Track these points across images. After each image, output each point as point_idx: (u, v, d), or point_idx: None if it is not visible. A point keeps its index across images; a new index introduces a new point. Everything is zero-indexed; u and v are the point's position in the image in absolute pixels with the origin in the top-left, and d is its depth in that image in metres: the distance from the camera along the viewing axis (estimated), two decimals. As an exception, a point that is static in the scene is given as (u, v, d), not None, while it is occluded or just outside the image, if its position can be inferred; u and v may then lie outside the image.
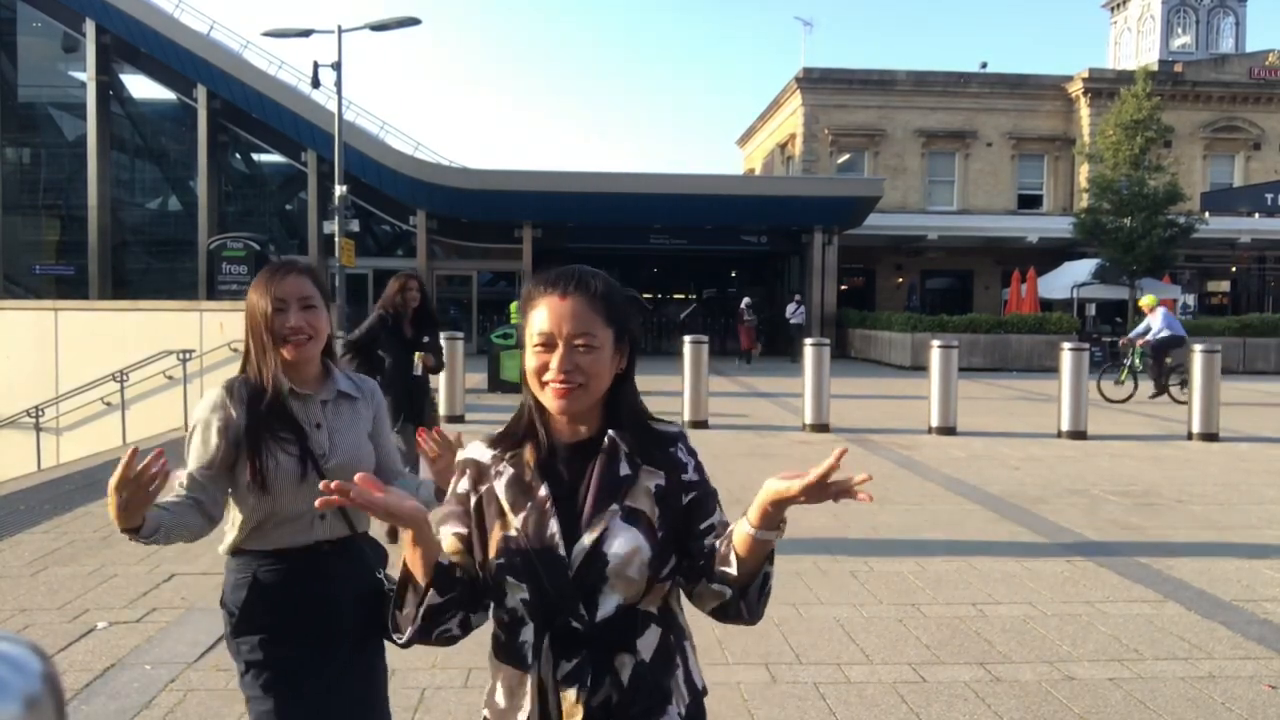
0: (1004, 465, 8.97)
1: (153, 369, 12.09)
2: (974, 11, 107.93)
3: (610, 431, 1.46)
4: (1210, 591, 4.97)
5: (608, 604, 1.40)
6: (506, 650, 1.45)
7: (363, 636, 2.11)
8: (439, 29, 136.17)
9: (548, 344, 1.42)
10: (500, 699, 1.45)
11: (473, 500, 1.47)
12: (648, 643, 1.43)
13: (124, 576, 5.01)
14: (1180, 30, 33.73)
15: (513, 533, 1.41)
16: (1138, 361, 15.06)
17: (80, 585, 4.86)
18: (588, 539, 1.40)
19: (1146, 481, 8.19)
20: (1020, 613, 4.59)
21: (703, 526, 1.47)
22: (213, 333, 12.58)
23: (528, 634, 1.41)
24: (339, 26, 18.70)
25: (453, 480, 1.53)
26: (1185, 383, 14.41)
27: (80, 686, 3.59)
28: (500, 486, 1.45)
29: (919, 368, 18.73)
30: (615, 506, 1.42)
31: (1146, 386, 14.85)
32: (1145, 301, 15.68)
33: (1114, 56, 35.87)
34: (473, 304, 26.78)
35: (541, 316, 1.43)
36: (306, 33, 19.15)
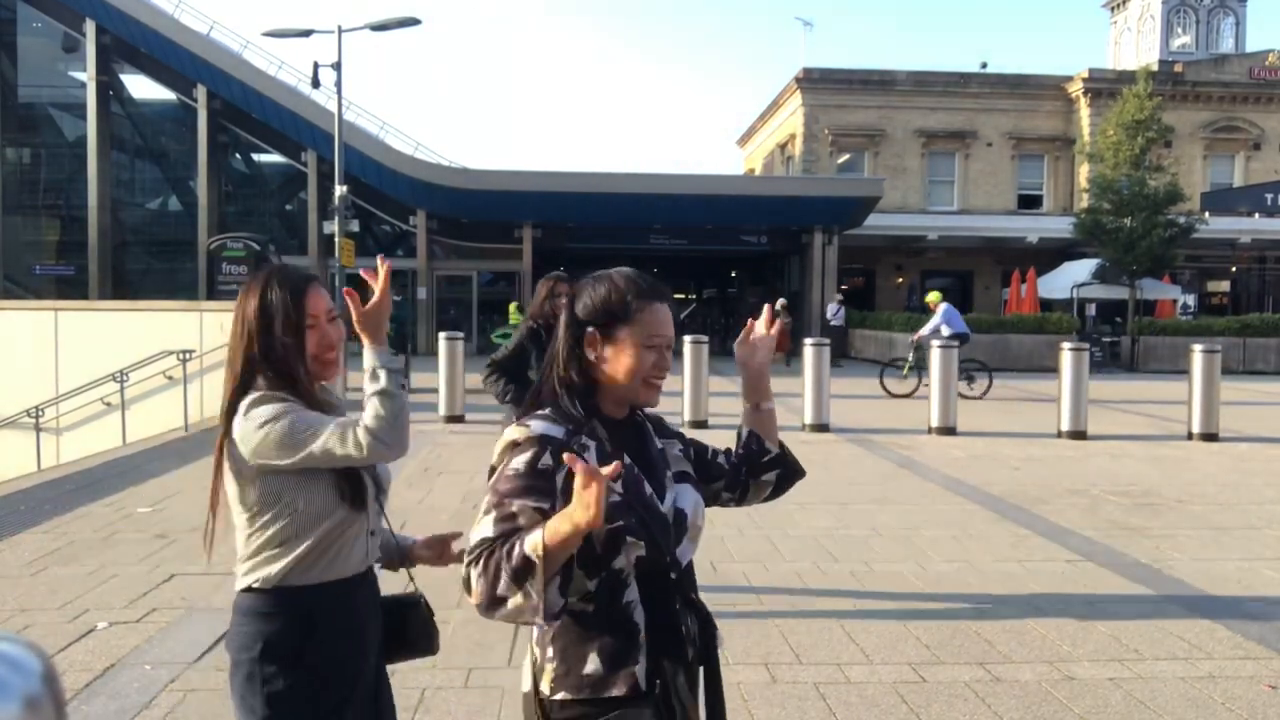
0: (1004, 465, 8.97)
1: (153, 369, 12.08)
2: (974, 11, 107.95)
3: (640, 413, 1.70)
4: (1210, 591, 4.97)
5: (688, 553, 1.61)
6: (606, 616, 1.49)
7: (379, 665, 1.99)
8: (438, 30, 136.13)
9: (662, 344, 1.61)
10: (597, 667, 1.48)
11: (560, 476, 1.48)
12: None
13: (124, 577, 5.01)
14: (1180, 30, 33.73)
15: (615, 498, 1.47)
16: (912, 357, 15.13)
17: (80, 585, 4.86)
18: (669, 499, 1.60)
19: (1146, 482, 8.19)
20: (1020, 613, 4.59)
21: (709, 455, 1.80)
22: (213, 333, 12.58)
23: (633, 594, 1.51)
24: (339, 27, 18.68)
25: (528, 456, 1.50)
26: (972, 379, 14.53)
27: (81, 686, 3.59)
28: (591, 458, 1.51)
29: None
30: (670, 471, 1.65)
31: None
32: (931, 298, 15.88)
33: (1114, 57, 35.88)
34: (473, 305, 26.80)
35: (659, 321, 1.61)
36: (306, 33, 19.13)
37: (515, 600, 1.35)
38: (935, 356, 11.20)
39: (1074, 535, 6.19)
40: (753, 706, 3.49)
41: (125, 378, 11.69)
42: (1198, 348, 11.12)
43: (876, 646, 4.11)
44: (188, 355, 11.66)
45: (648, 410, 1.72)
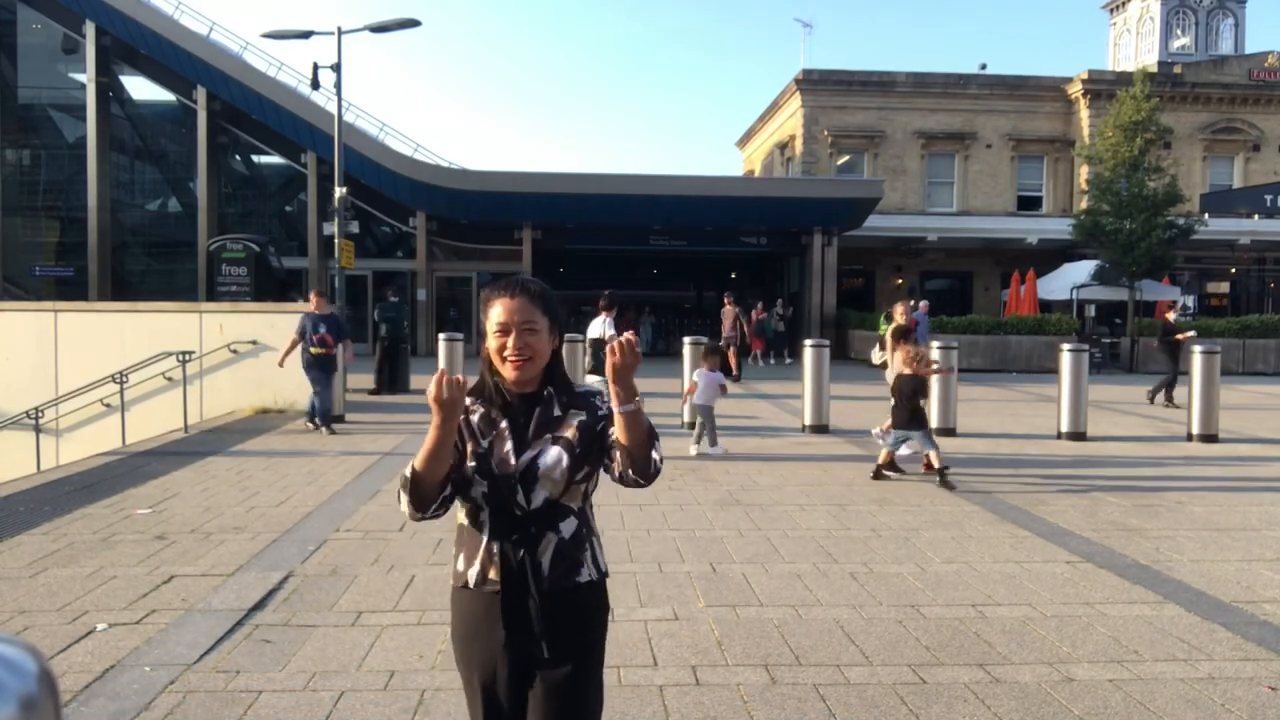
0: (1004, 466, 8.96)
1: (152, 370, 12.07)
2: (973, 13, 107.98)
3: (549, 388, 2.10)
4: (1210, 593, 4.97)
5: (538, 497, 2.03)
6: (471, 527, 2.08)
7: None
8: (438, 32, 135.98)
9: (504, 330, 2.03)
10: (460, 565, 2.09)
11: (466, 420, 2.07)
12: (568, 527, 2.06)
13: (123, 578, 5.01)
14: (1179, 31, 33.74)
15: (479, 450, 2.04)
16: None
17: (80, 587, 4.85)
18: (529, 455, 2.03)
19: (1146, 482, 8.19)
20: (1020, 614, 4.58)
21: (611, 435, 2.08)
22: (212, 334, 12.57)
23: (485, 516, 2.05)
24: (339, 28, 18.69)
25: None
26: None
27: (79, 688, 3.59)
28: (475, 420, 2.08)
29: (919, 369, 18.68)
30: (549, 436, 2.05)
31: None
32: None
33: (1113, 58, 35.89)
34: (473, 306, 26.77)
35: (498, 311, 2.05)
36: (306, 34, 19.13)
37: (402, 500, 2.01)
38: (935, 358, 11.18)
39: (1073, 536, 6.19)
40: (752, 708, 3.49)
41: (125, 379, 11.67)
42: (1197, 349, 11.12)
43: (876, 647, 4.11)
44: (187, 356, 11.65)
45: (587, 388, 2.15)
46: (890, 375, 9.23)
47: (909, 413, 8.04)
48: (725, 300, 21.22)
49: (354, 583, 4.96)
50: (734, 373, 18.19)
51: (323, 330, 10.80)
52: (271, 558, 5.44)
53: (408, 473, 1.97)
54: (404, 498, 1.98)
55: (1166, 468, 9.03)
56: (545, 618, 2.01)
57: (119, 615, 4.42)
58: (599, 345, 9.48)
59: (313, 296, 11.26)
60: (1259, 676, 3.84)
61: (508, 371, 2.04)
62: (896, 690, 3.66)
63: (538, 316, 2.04)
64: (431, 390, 1.88)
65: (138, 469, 8.42)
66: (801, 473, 8.51)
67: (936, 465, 7.97)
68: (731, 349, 18.58)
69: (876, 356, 9.87)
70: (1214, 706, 3.55)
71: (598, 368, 9.41)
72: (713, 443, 9.44)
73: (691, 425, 10.89)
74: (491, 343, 2.06)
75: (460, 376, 1.91)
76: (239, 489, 7.50)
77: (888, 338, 9.64)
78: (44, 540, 5.82)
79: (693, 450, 9.31)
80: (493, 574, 2.01)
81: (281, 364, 11.22)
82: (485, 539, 2.03)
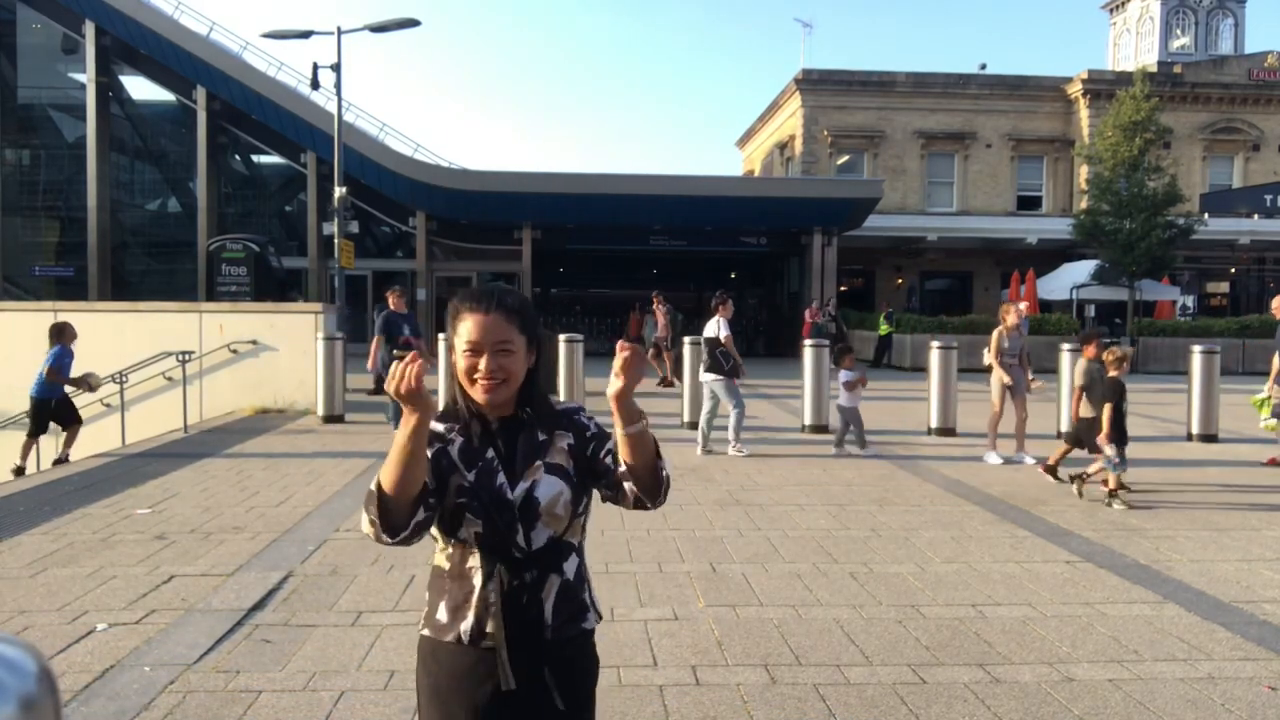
0: (1003, 466, 8.96)
1: (152, 370, 12.07)
2: (973, 13, 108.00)
3: (527, 410, 1.86)
4: (1210, 593, 4.97)
5: (540, 537, 1.79)
6: (455, 575, 1.82)
7: None
8: (438, 32, 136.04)
9: (475, 350, 1.79)
10: (442, 616, 1.82)
11: (428, 453, 1.78)
12: (571, 566, 1.85)
13: (123, 578, 5.01)
14: (1179, 31, 33.75)
15: (466, 484, 1.78)
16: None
17: (79, 587, 4.85)
18: (523, 487, 1.79)
19: (1146, 482, 8.18)
20: (1020, 614, 4.59)
21: (603, 453, 1.87)
22: (212, 334, 12.57)
23: (475, 561, 1.79)
24: (338, 28, 18.71)
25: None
26: None
27: (79, 688, 3.59)
28: (454, 450, 1.82)
29: (919, 368, 18.73)
30: (539, 462, 1.82)
31: None
32: None
33: (1113, 58, 35.91)
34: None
35: (469, 328, 1.80)
36: (306, 34, 19.15)
37: (364, 520, 1.72)
38: (934, 358, 11.19)
39: (1073, 536, 6.19)
40: (752, 708, 3.49)
41: (124, 379, 11.67)
42: (1197, 349, 11.12)
43: (876, 647, 4.11)
44: (187, 356, 11.65)
45: (566, 405, 1.93)
46: (995, 379, 9.24)
47: (1117, 418, 7.24)
48: (655, 299, 18.67)
49: (354, 582, 4.96)
50: (666, 376, 17.09)
51: (407, 331, 10.84)
52: (271, 557, 5.44)
53: (374, 487, 1.69)
54: (367, 517, 1.70)
55: (1166, 468, 9.02)
56: (548, 673, 1.79)
57: (119, 615, 4.42)
58: (714, 344, 9.49)
59: (393, 297, 11.15)
60: (1259, 676, 3.84)
61: (478, 395, 1.79)
62: (896, 690, 3.67)
63: (514, 335, 1.80)
64: (391, 384, 1.62)
65: (137, 469, 8.42)
66: (801, 473, 8.51)
67: (1099, 476, 7.39)
68: (665, 351, 17.36)
69: (987, 358, 9.74)
70: (1214, 706, 3.55)
71: (713, 367, 9.46)
72: (861, 444, 9.60)
73: (692, 425, 10.87)
74: (460, 362, 1.80)
75: (421, 362, 1.68)
76: (239, 489, 7.50)
77: (993, 340, 9.43)
78: (44, 540, 5.82)
79: (834, 451, 9.54)
80: (490, 627, 1.75)
81: (371, 366, 11.19)
82: (478, 586, 1.77)
